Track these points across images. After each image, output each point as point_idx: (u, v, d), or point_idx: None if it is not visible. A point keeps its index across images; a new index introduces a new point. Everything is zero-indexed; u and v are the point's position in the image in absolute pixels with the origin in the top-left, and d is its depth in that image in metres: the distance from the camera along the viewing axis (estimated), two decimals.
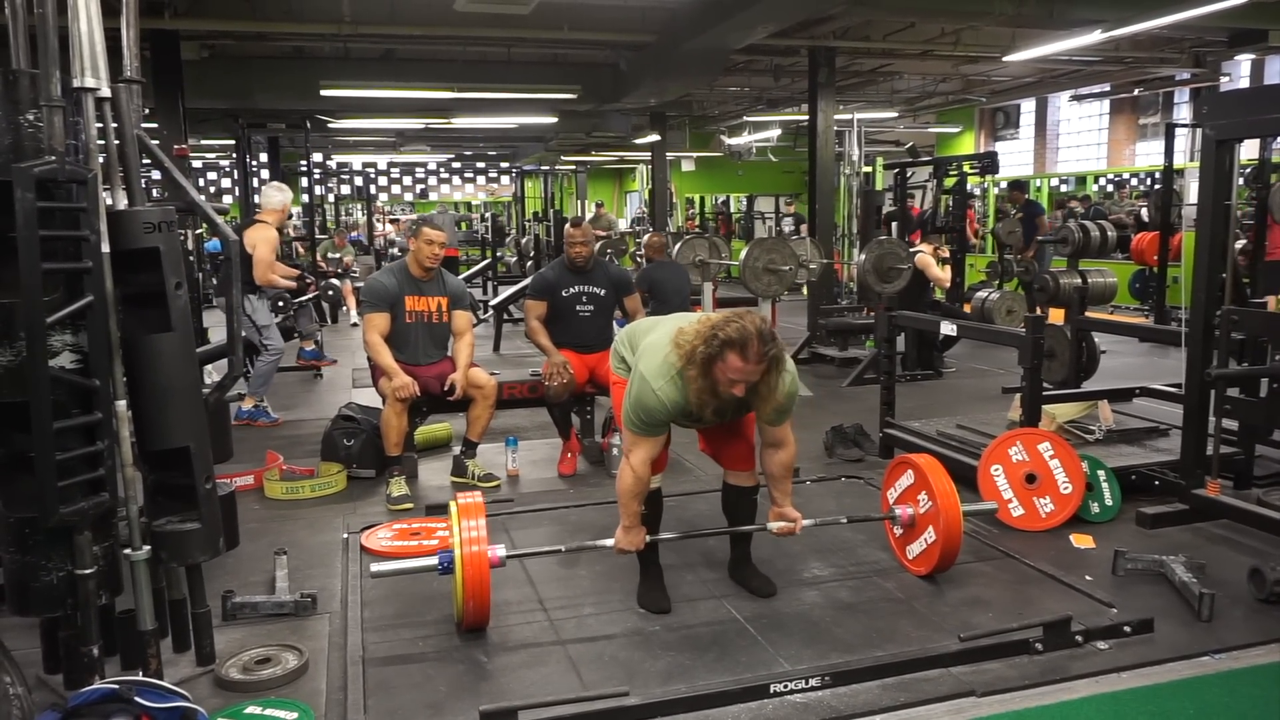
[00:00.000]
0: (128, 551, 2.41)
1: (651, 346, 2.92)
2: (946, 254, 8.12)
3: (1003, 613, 3.00)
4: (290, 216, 18.01)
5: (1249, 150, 7.13)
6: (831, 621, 2.97)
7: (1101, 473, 3.87)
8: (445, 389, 4.40)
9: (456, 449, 4.75)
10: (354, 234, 17.22)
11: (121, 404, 2.35)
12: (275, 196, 5.99)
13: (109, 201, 2.37)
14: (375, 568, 2.90)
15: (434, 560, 2.85)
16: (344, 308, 7.03)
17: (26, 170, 2.10)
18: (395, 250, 14.77)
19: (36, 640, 2.56)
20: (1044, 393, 4.29)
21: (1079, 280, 7.06)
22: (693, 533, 3.39)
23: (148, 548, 2.43)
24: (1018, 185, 11.61)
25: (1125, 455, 4.25)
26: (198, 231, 6.57)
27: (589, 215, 18.81)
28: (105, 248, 2.27)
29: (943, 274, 7.58)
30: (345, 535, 3.80)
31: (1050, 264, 9.67)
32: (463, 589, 2.77)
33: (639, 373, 2.87)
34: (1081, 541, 3.60)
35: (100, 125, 2.33)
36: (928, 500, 3.23)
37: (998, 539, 3.63)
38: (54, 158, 2.19)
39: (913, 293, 7.30)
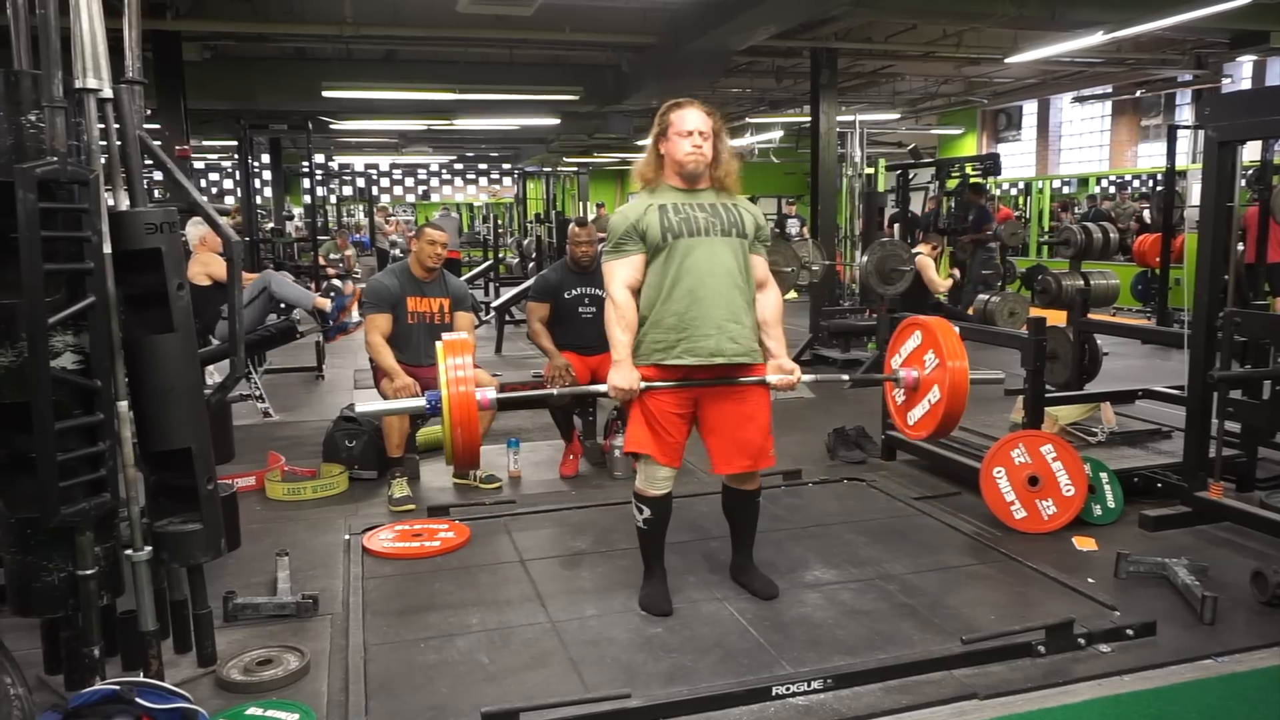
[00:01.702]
0: (129, 552, 2.41)
1: None
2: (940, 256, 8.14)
3: (1005, 615, 2.99)
4: (292, 217, 18.01)
5: (1251, 152, 7.13)
6: (834, 624, 2.96)
7: (1104, 475, 3.87)
8: None
9: None
10: (356, 235, 17.22)
11: (123, 405, 2.35)
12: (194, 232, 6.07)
13: (111, 202, 2.37)
14: (360, 408, 2.91)
15: (423, 402, 2.82)
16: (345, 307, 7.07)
17: (29, 171, 2.10)
18: (397, 252, 14.79)
19: (38, 641, 2.56)
20: (1046, 395, 4.28)
21: (1081, 282, 7.05)
22: (688, 385, 3.15)
23: (149, 548, 2.43)
24: (977, 189, 11.76)
25: (1128, 457, 4.25)
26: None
27: (590, 217, 18.81)
28: (107, 248, 2.28)
29: (940, 279, 7.56)
30: (347, 536, 3.79)
31: (986, 266, 9.65)
32: (450, 428, 2.68)
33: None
34: (1084, 544, 3.59)
35: (102, 126, 2.33)
36: (934, 360, 3.11)
37: (1000, 541, 3.63)
38: (56, 159, 2.19)
39: (914, 294, 7.30)
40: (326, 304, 6.11)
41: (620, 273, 2.91)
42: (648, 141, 3.08)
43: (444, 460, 4.80)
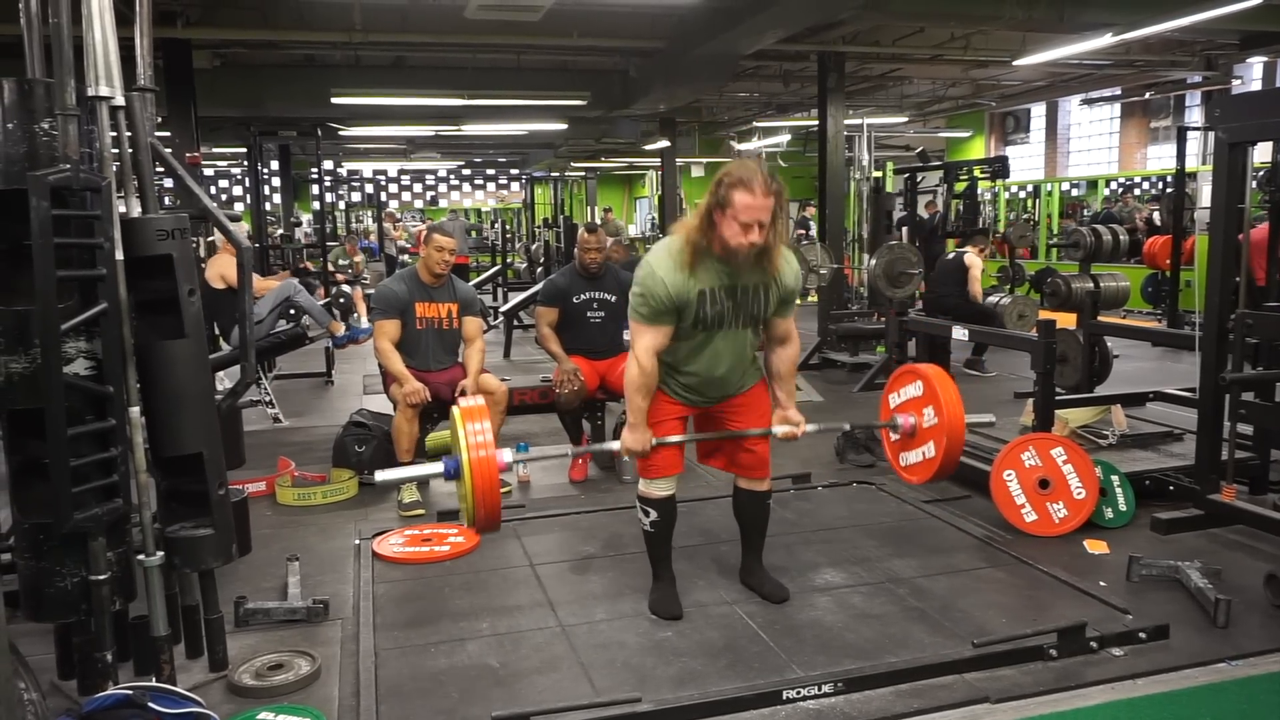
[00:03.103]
0: (141, 557, 2.42)
1: (659, 242, 2.92)
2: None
3: (1016, 619, 2.98)
4: (300, 224, 18.06)
5: (1262, 154, 7.08)
6: (844, 627, 2.96)
7: (1115, 478, 3.85)
8: (456, 395, 4.40)
9: None
10: (365, 241, 17.27)
11: (135, 410, 2.36)
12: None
13: (123, 209, 2.39)
14: (380, 475, 2.89)
15: (439, 467, 2.82)
16: (354, 314, 7.08)
17: (42, 178, 2.11)
18: (405, 258, 14.85)
19: (51, 646, 2.57)
20: (1057, 397, 4.27)
21: (1091, 284, 7.02)
22: (696, 439, 3.31)
23: (161, 553, 2.44)
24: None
25: (1139, 460, 4.23)
26: (210, 239, 6.60)
27: (597, 221, 18.83)
28: (119, 255, 2.29)
29: (979, 286, 7.44)
30: (357, 541, 3.80)
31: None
32: (472, 494, 2.70)
33: (646, 262, 2.83)
34: (1095, 547, 3.58)
35: (114, 133, 2.34)
36: (925, 397, 3.17)
37: (1011, 544, 3.61)
38: (68, 166, 2.20)
39: (955, 295, 7.24)
40: (340, 329, 6.24)
41: (649, 339, 2.85)
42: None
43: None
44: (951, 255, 7.43)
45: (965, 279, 7.28)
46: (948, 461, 3.16)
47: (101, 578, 2.31)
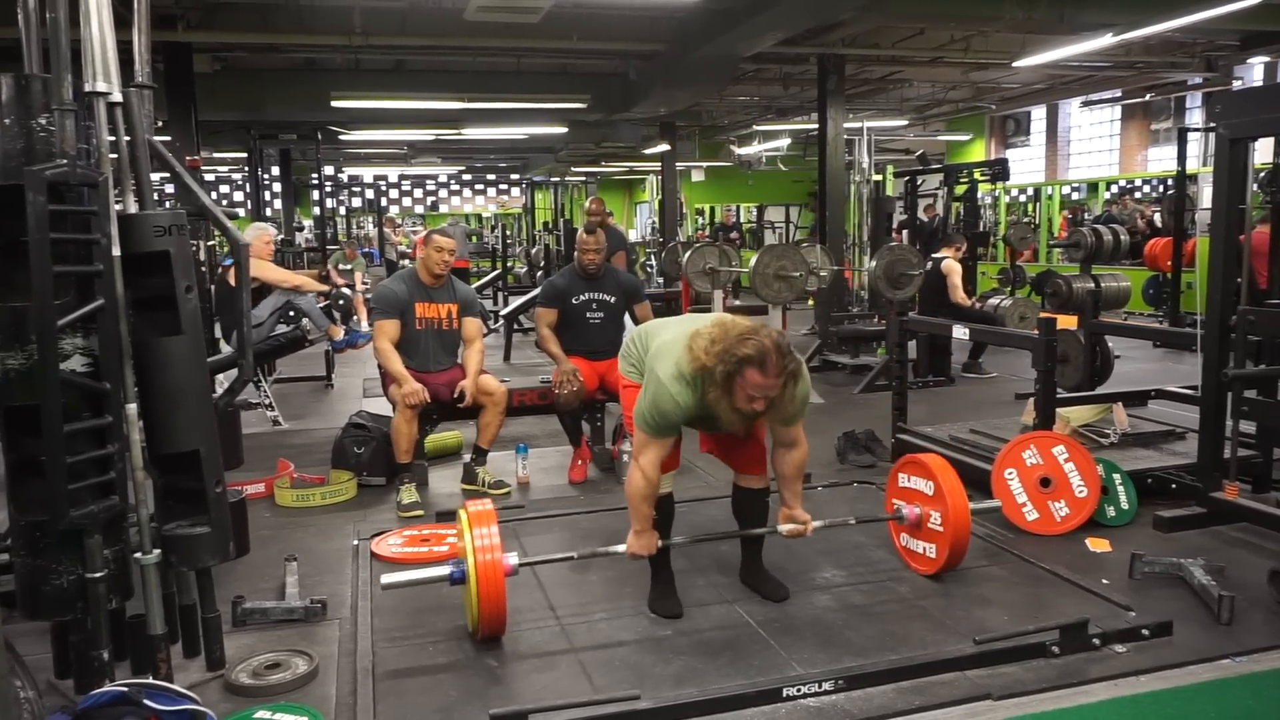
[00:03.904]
0: (138, 555, 2.41)
1: (666, 347, 2.89)
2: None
3: (1018, 616, 2.96)
4: (301, 229, 18.09)
5: (1263, 155, 7.05)
6: (844, 625, 2.94)
7: (1117, 476, 3.84)
8: (455, 396, 4.39)
9: (467, 456, 4.74)
10: (364, 249, 17.29)
11: (132, 407, 2.35)
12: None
13: (120, 205, 2.38)
14: (385, 579, 2.87)
15: (446, 570, 2.83)
16: (354, 317, 7.09)
17: (38, 173, 2.11)
18: (405, 263, 14.85)
19: (47, 645, 2.56)
20: (1058, 396, 4.26)
21: (1092, 284, 7.01)
22: (703, 537, 3.34)
23: (158, 551, 2.43)
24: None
25: (1141, 458, 4.22)
26: (210, 243, 6.61)
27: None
28: (116, 251, 2.28)
29: (962, 291, 7.40)
30: (355, 542, 3.79)
31: None
32: (478, 599, 2.74)
33: (654, 375, 2.83)
34: (1097, 545, 3.56)
35: (111, 129, 2.33)
36: (935, 498, 3.20)
37: (1012, 542, 3.60)
38: (65, 161, 2.20)
39: (934, 299, 7.24)
40: (339, 333, 6.29)
41: (656, 453, 2.87)
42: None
43: (452, 469, 4.81)
44: (930, 264, 7.37)
45: (947, 287, 7.25)
46: (949, 566, 3.23)
47: (98, 575, 2.30)
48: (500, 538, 2.80)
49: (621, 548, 2.98)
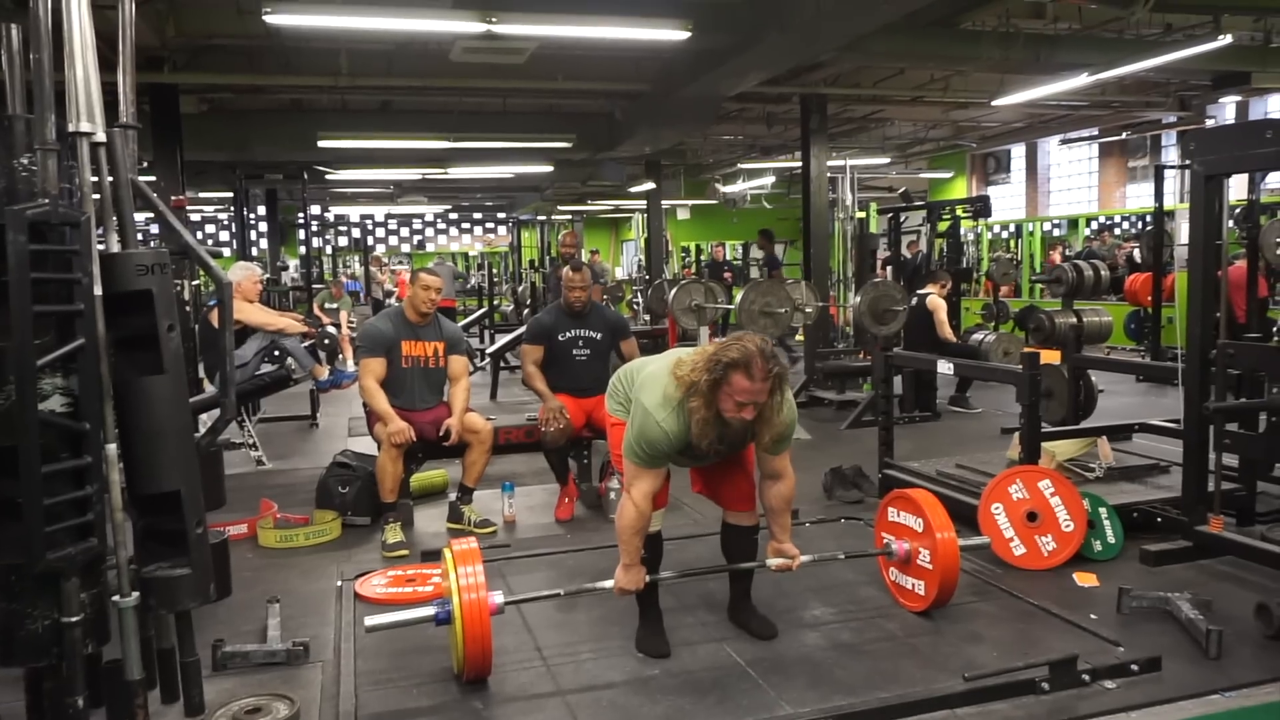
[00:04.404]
0: (116, 598, 2.37)
1: (651, 378, 2.89)
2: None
3: (1007, 652, 2.95)
4: (286, 268, 18.08)
5: (1237, 190, 7.16)
6: (833, 663, 2.92)
7: (1103, 510, 3.84)
8: (441, 434, 4.37)
9: (452, 495, 4.70)
10: (350, 282, 17.28)
11: (112, 447, 2.32)
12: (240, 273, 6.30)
13: (103, 245, 2.37)
14: (370, 621, 2.84)
15: (431, 610, 2.79)
16: (340, 356, 7.08)
17: (20, 213, 2.10)
18: (391, 301, 14.87)
19: (21, 692, 2.50)
20: (1043, 431, 4.27)
21: (1074, 319, 7.06)
22: (691, 571, 3.31)
23: (136, 594, 2.38)
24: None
25: (1126, 492, 4.23)
26: (195, 283, 6.59)
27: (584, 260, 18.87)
28: (98, 290, 2.27)
29: (948, 328, 7.44)
30: (339, 583, 3.74)
31: None
32: (463, 639, 2.71)
33: (640, 405, 2.83)
34: (1085, 580, 3.56)
35: (95, 169, 2.33)
36: (924, 534, 3.19)
37: (1000, 578, 3.59)
38: (47, 200, 2.19)
39: (920, 335, 7.27)
40: (324, 373, 6.27)
41: (647, 484, 2.86)
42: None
43: (437, 508, 4.77)
44: (915, 301, 7.42)
45: (932, 323, 7.29)
46: (938, 604, 3.22)
47: (74, 619, 2.25)
48: (485, 576, 2.77)
49: (609, 584, 2.95)
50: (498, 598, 2.79)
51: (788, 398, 2.86)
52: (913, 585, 3.28)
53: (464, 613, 2.69)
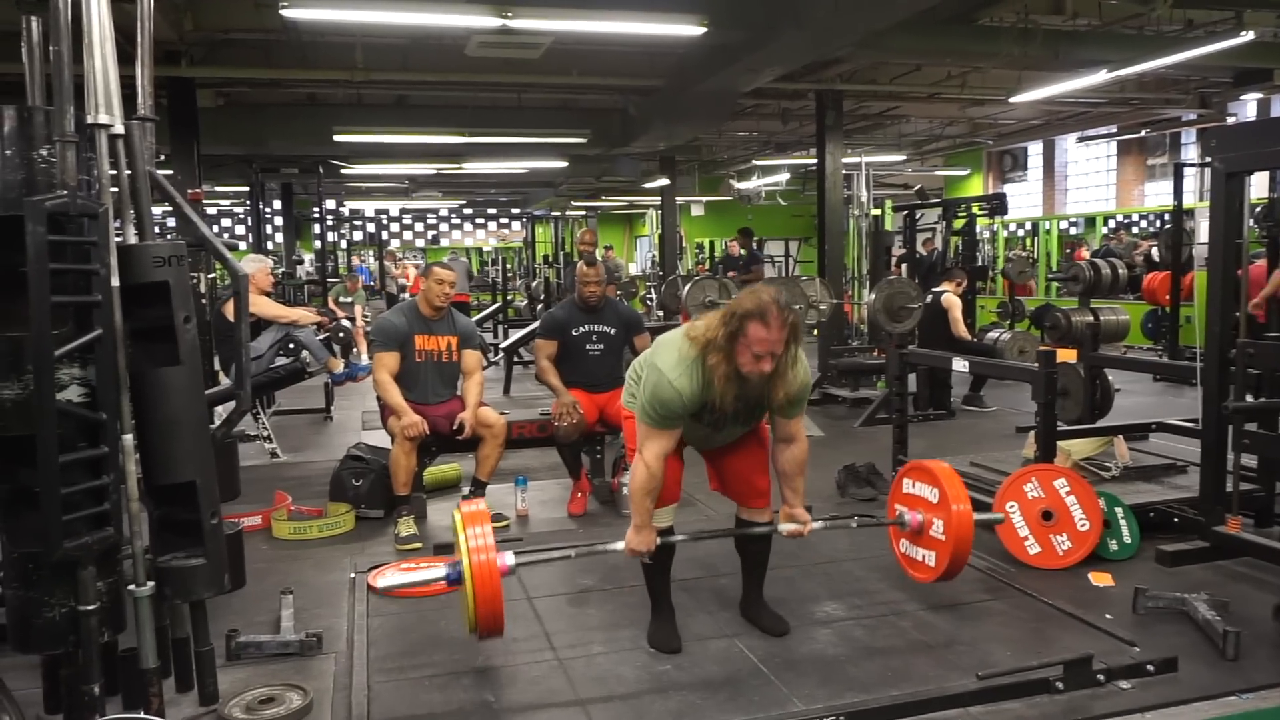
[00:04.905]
0: (131, 587, 2.38)
1: (665, 343, 2.90)
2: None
3: (1021, 651, 2.93)
4: (302, 262, 18.15)
5: (1258, 189, 7.08)
6: (846, 660, 2.91)
7: (1119, 510, 3.81)
8: (454, 428, 4.38)
9: (465, 489, 4.71)
10: (360, 266, 17.33)
11: (128, 438, 2.33)
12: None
13: (120, 236, 2.38)
14: (382, 582, 2.85)
15: (442, 571, 2.78)
16: (354, 349, 7.11)
17: (39, 204, 2.11)
18: (404, 296, 14.91)
19: (38, 680, 2.53)
20: (1059, 429, 4.24)
21: (1091, 318, 7.02)
22: (703, 533, 3.29)
23: (152, 584, 2.40)
24: (744, 231, 12.52)
25: (1143, 492, 4.19)
26: (211, 275, 6.63)
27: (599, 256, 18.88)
28: (115, 282, 2.28)
29: (963, 326, 7.41)
30: (352, 575, 3.76)
31: None
32: (474, 599, 2.67)
33: (654, 367, 2.82)
34: (1100, 579, 3.53)
35: (113, 161, 2.34)
36: (939, 506, 3.15)
37: (1014, 576, 3.57)
38: (66, 192, 2.20)
39: (934, 333, 7.24)
40: (339, 366, 6.30)
41: (659, 445, 2.84)
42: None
43: (450, 501, 4.78)
44: (930, 298, 7.39)
45: (947, 321, 7.26)
46: (947, 576, 3.19)
47: (90, 608, 2.27)
48: (495, 537, 2.75)
49: (620, 545, 2.93)
50: (508, 559, 2.76)
51: (801, 360, 2.86)
52: (923, 556, 3.24)
53: (474, 573, 2.65)
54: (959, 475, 3.21)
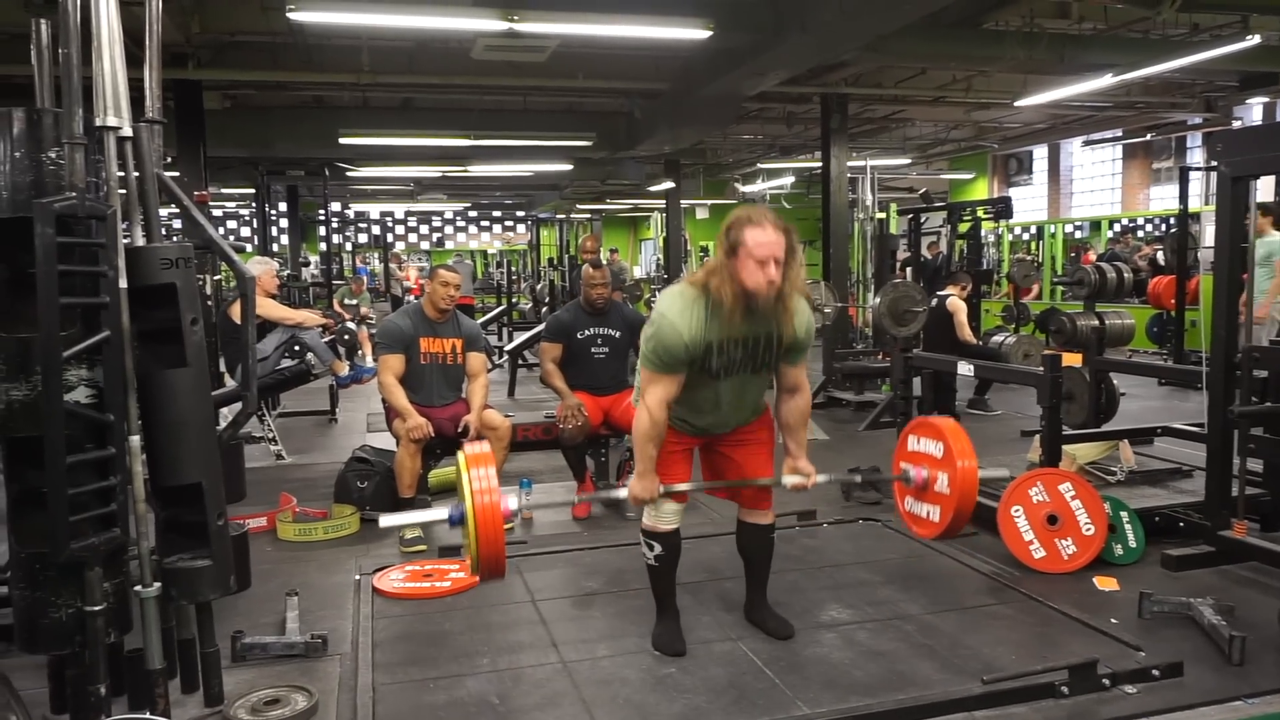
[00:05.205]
0: (138, 588, 2.39)
1: (668, 292, 2.91)
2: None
3: (1026, 655, 2.92)
4: (308, 264, 18.20)
5: (1264, 193, 7.06)
6: (850, 664, 2.91)
7: (1124, 514, 3.80)
8: (459, 430, 4.38)
9: None
10: (363, 267, 17.36)
11: (135, 439, 2.34)
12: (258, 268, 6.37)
13: (127, 238, 2.39)
14: (384, 521, 2.86)
15: (444, 512, 2.78)
16: (359, 352, 7.13)
17: (48, 206, 2.12)
18: (409, 298, 14.95)
19: (44, 680, 2.54)
20: (1064, 433, 4.24)
21: (1096, 321, 7.01)
22: (708, 485, 3.21)
23: (158, 585, 2.41)
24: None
25: (1148, 496, 4.19)
26: (217, 277, 6.65)
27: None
28: (123, 283, 2.29)
29: (969, 330, 7.41)
30: (357, 577, 3.76)
31: None
32: (476, 540, 2.65)
33: (657, 312, 2.82)
34: (1105, 584, 3.53)
35: (121, 163, 2.35)
36: (944, 460, 3.13)
37: (1019, 580, 3.56)
38: (74, 194, 2.21)
39: (940, 337, 7.24)
40: (344, 368, 6.32)
41: (662, 390, 2.82)
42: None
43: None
44: (935, 302, 7.38)
45: (952, 325, 7.25)
46: (951, 530, 3.17)
47: (97, 609, 2.28)
48: (499, 479, 2.73)
49: (623, 492, 2.93)
50: (511, 502, 2.76)
51: (804, 308, 2.87)
52: (927, 512, 3.22)
53: (477, 514, 2.63)
54: (964, 431, 3.19)
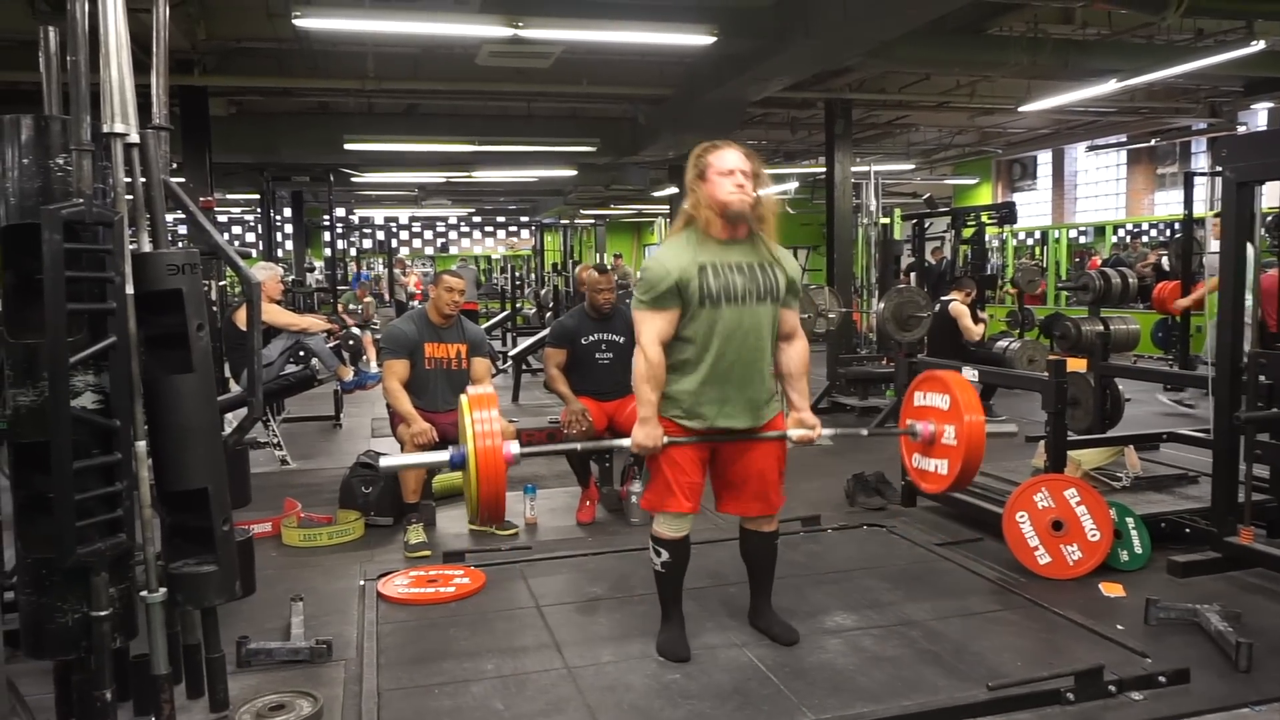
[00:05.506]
0: (144, 594, 2.39)
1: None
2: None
3: (1032, 662, 2.92)
4: (313, 269, 18.23)
5: (1269, 199, 7.05)
6: (856, 670, 2.90)
7: (1130, 520, 3.80)
8: None
9: None
10: (366, 273, 17.41)
11: (141, 444, 2.34)
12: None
13: (134, 244, 2.40)
14: (385, 462, 2.89)
15: (446, 455, 2.79)
16: (364, 357, 7.15)
17: (55, 212, 2.13)
18: (414, 304, 14.97)
19: (50, 686, 2.53)
20: (1069, 439, 4.23)
21: (1101, 327, 7.00)
22: (709, 439, 3.12)
23: (164, 590, 2.41)
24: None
25: (1154, 502, 4.17)
26: (221, 283, 6.66)
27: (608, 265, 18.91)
28: (129, 289, 2.30)
29: (975, 326, 7.44)
30: (362, 582, 3.76)
31: None
32: (477, 484, 2.65)
33: (647, 258, 2.91)
34: (1111, 590, 3.52)
35: (128, 169, 2.36)
36: (950, 413, 3.13)
37: (1025, 587, 3.55)
38: (82, 200, 2.22)
39: (946, 342, 7.24)
40: (349, 374, 6.33)
41: (655, 326, 2.84)
42: (683, 187, 3.13)
43: (465, 512, 4.79)
44: (938, 307, 7.41)
45: (956, 329, 7.26)
46: (959, 484, 3.18)
47: (103, 614, 2.28)
48: (501, 422, 2.73)
49: (627, 442, 2.92)
50: (513, 448, 2.75)
51: (788, 255, 2.99)
52: (935, 466, 3.22)
53: (479, 458, 2.63)
54: (971, 385, 3.20)
